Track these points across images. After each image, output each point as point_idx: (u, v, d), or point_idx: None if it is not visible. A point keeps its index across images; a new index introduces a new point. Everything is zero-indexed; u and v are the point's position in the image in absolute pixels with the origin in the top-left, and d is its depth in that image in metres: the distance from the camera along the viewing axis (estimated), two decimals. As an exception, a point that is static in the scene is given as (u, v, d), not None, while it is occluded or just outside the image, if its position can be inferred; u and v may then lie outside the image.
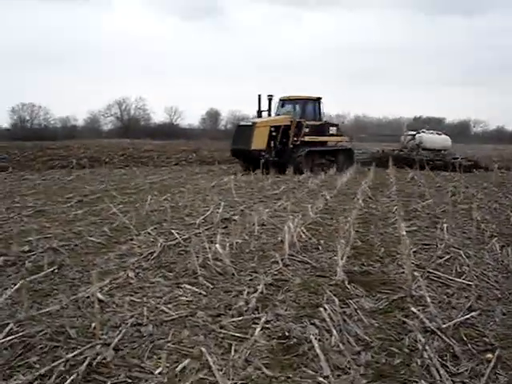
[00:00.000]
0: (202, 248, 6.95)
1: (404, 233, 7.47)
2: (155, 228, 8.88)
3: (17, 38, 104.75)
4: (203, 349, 4.06)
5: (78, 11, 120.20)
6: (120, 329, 4.49)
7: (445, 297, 5.45)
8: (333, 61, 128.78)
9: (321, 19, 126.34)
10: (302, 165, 21.37)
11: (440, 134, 31.70)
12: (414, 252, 7.36)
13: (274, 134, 21.38)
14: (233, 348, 4.16)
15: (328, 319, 4.59)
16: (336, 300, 5.10)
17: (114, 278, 6.01)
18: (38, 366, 3.80)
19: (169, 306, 5.14)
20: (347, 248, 7.12)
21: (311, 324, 4.58)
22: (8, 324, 4.49)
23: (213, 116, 79.38)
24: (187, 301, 5.32)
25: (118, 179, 18.86)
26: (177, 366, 3.81)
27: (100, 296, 5.26)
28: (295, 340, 4.28)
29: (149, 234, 8.40)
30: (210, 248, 6.78)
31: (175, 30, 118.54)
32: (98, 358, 3.88)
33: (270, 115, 23.09)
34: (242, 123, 22.85)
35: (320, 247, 7.68)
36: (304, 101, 22.91)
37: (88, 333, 4.41)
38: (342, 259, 6.35)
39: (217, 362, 3.90)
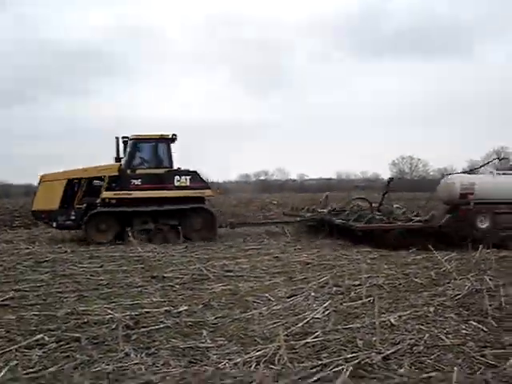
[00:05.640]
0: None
1: None
2: (476, 274, 9.46)
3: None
4: (455, 368, 4.86)
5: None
6: (397, 346, 5.59)
7: None
8: None
9: None
10: (92, 232, 15.81)
11: None
12: None
13: (76, 189, 16.51)
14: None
15: None
16: None
17: (416, 311, 7.08)
18: (325, 360, 5.22)
19: (448, 335, 5.96)
20: None
21: None
22: (316, 331, 6.08)
23: None
24: (466, 334, 6.04)
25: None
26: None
27: (393, 321, 6.45)
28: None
29: (467, 279, 9.08)
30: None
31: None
32: (367, 360, 5.10)
33: None
34: None
35: None
36: (136, 141, 16.65)
37: (370, 345, 5.64)
38: None
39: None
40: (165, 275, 10.00)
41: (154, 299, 8.08)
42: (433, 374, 4.78)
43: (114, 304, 7.68)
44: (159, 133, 16.62)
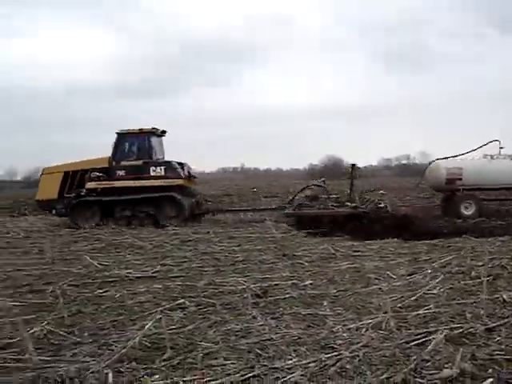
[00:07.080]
0: None
1: None
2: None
3: None
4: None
5: None
6: (504, 319, 5.86)
7: None
8: None
9: None
10: (76, 219, 17.63)
11: None
12: None
13: (72, 180, 18.23)
14: None
15: None
16: None
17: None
18: (431, 329, 5.64)
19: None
20: None
21: None
22: (429, 305, 6.52)
23: None
24: None
25: None
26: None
27: (505, 298, 6.69)
28: None
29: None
30: None
31: None
32: (471, 329, 5.49)
33: None
34: None
35: None
36: (120, 136, 18.07)
37: (478, 317, 5.96)
38: None
39: None
40: (295, 254, 10.80)
41: (283, 274, 8.86)
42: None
43: (246, 277, 8.57)
44: (139, 128, 18.18)
